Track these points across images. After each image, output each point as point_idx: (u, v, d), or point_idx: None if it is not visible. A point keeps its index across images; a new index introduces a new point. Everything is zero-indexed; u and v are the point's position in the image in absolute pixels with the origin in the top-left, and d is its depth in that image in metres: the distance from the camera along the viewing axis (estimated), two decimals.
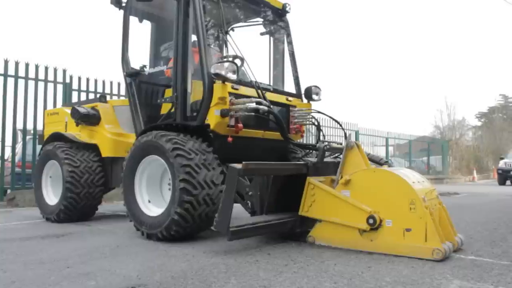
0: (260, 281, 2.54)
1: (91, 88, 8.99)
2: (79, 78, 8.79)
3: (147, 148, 4.00)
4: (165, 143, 3.77)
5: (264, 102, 4.11)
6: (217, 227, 3.22)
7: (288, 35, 5.21)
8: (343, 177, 3.54)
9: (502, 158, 19.68)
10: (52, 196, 5.49)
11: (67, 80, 8.58)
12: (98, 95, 8.54)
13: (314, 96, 4.94)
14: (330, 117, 4.70)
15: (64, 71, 8.54)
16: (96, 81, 9.09)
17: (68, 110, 5.58)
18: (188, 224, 3.68)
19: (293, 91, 5.08)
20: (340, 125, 4.87)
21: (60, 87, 8.47)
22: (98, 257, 3.25)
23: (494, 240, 3.98)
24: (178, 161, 3.65)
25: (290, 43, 5.18)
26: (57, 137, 5.51)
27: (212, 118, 4.01)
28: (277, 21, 5.21)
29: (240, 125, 4.08)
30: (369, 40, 77.37)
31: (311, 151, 4.83)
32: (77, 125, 5.41)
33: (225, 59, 4.11)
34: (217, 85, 4.01)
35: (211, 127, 4.03)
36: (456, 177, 23.82)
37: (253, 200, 3.92)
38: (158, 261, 3.09)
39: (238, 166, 3.23)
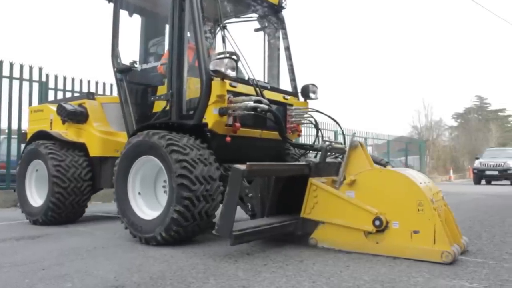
0: (239, 281, 2.52)
1: (68, 87, 8.73)
2: (56, 77, 8.53)
3: (140, 148, 3.82)
4: (158, 140, 3.65)
5: (264, 100, 3.99)
6: (219, 231, 3.06)
7: (284, 31, 5.09)
8: (348, 178, 3.44)
9: (477, 158, 20.05)
10: (36, 196, 5.23)
11: (43, 79, 8.32)
12: (75, 94, 8.30)
13: (311, 95, 4.84)
14: (328, 116, 4.61)
15: (40, 70, 8.27)
16: (73, 80, 8.84)
17: (53, 107, 5.31)
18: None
19: (288, 89, 4.96)
20: (339, 125, 4.78)
21: (36, 86, 8.18)
22: (74, 258, 3.17)
23: (469, 238, 4.00)
24: (173, 157, 3.51)
25: (285, 39, 5.06)
26: (42, 135, 5.23)
27: (210, 117, 3.87)
28: (272, 17, 5.08)
29: (238, 124, 3.95)
30: (347, 41, 78.35)
31: (308, 151, 4.73)
32: (63, 123, 5.14)
33: (222, 56, 3.97)
34: (216, 82, 3.87)
35: (209, 126, 3.89)
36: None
37: (253, 202, 3.80)
38: (136, 262, 3.06)
39: (242, 167, 3.09)
